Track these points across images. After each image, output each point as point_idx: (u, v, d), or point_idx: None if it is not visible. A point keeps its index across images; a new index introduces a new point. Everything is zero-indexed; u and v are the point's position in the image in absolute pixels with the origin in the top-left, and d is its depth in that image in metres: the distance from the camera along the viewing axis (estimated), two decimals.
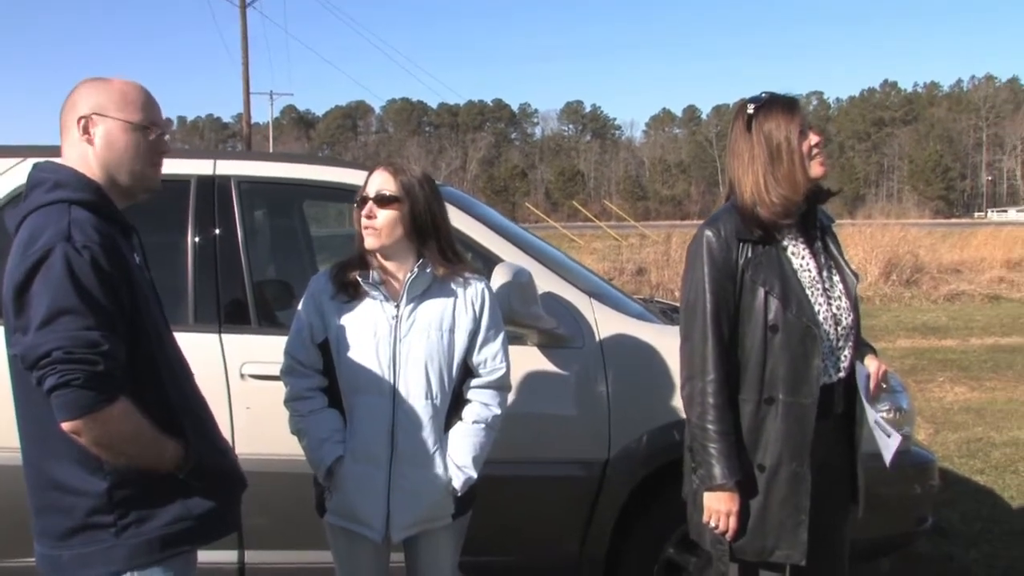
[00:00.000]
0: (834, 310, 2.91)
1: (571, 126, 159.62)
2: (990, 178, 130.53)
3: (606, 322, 3.86)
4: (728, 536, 2.88)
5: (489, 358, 3.03)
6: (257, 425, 3.72)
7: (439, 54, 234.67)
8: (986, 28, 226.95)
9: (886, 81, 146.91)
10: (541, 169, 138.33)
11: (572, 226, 45.56)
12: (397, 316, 2.92)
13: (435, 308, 2.95)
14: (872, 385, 2.97)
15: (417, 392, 2.91)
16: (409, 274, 2.92)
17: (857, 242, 20.23)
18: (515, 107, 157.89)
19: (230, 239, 3.93)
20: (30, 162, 3.92)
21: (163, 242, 4.08)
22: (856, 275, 3.03)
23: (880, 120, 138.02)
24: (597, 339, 3.82)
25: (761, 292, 2.83)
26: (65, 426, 2.09)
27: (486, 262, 3.88)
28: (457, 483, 2.98)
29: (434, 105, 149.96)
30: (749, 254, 2.85)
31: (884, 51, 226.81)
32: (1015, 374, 10.69)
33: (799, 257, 2.91)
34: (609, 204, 63.94)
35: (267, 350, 3.78)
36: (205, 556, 3.77)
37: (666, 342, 3.77)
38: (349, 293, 2.95)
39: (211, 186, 3.97)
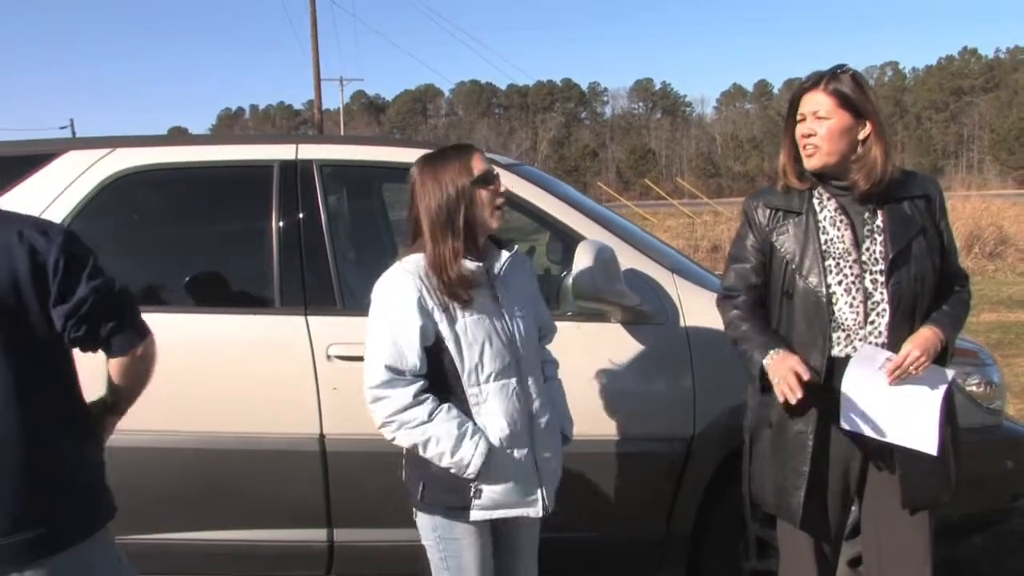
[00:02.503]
0: (867, 283, 2.87)
1: (641, 104, 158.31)
2: None
3: (689, 298, 3.84)
4: (798, 395, 2.79)
5: (547, 318, 3.17)
6: (344, 406, 3.77)
7: (507, 35, 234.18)
8: None
9: (965, 48, 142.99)
10: (612, 148, 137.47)
11: (645, 204, 45.22)
12: (497, 296, 2.94)
13: (519, 282, 3.02)
14: (889, 369, 2.83)
15: (533, 364, 2.98)
16: (505, 253, 2.96)
17: None
18: (584, 86, 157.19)
19: (314, 222, 3.98)
20: (119, 153, 4.08)
21: (249, 227, 4.16)
22: (906, 251, 2.88)
23: (959, 89, 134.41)
24: (681, 315, 3.81)
25: (782, 259, 2.94)
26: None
27: (569, 240, 3.89)
28: (570, 434, 3.11)
29: (503, 87, 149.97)
30: (779, 222, 2.96)
31: (963, 16, 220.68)
32: None
33: (835, 227, 2.91)
34: (681, 182, 63.35)
35: (353, 331, 3.83)
36: (295, 535, 3.89)
37: None
38: (460, 295, 2.85)
39: (294, 170, 4.03)
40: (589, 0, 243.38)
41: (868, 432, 2.88)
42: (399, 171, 4.28)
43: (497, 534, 3.05)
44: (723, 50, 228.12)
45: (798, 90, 2.95)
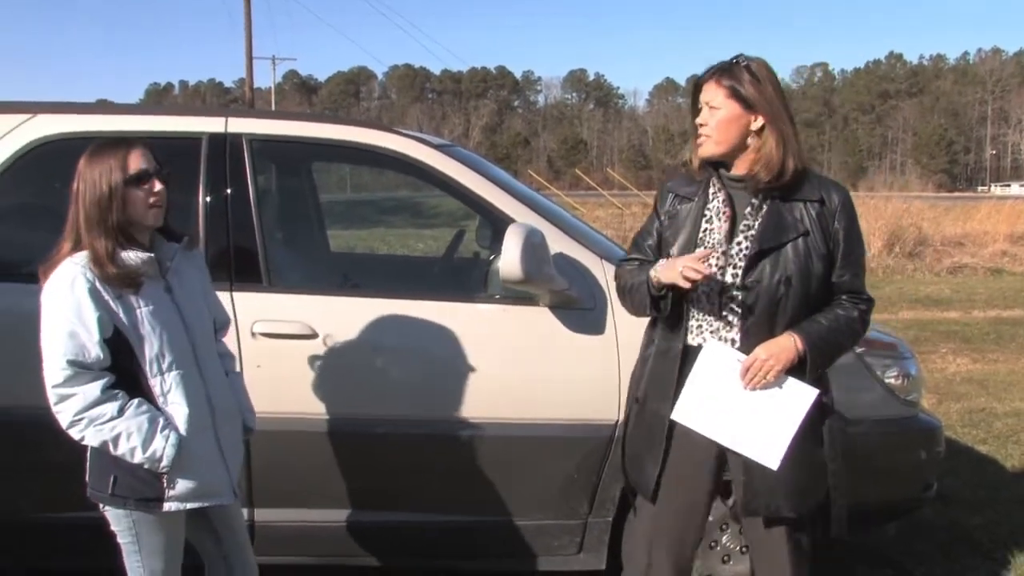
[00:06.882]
0: (727, 277, 2.86)
1: (574, 94, 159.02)
2: (994, 152, 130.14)
3: None
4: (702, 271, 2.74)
5: (220, 310, 3.27)
6: (268, 384, 3.72)
7: (443, 20, 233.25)
8: (995, 0, 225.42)
9: (892, 53, 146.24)
10: (544, 137, 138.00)
11: (575, 194, 45.48)
12: (170, 287, 2.95)
13: (190, 274, 3.06)
14: (740, 372, 2.83)
15: (208, 353, 3.05)
16: (175, 245, 3.01)
17: (860, 214, 20.09)
18: (518, 74, 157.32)
19: (241, 197, 3.91)
20: (40, 119, 3.97)
21: (175, 200, 4.07)
22: (774, 252, 2.83)
23: (885, 92, 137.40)
24: (609, 301, 3.81)
25: (666, 243, 3.00)
26: None
27: (499, 223, 3.88)
28: (252, 424, 3.24)
29: (437, 72, 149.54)
30: (676, 207, 3.02)
31: (890, 22, 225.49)
32: (1017, 346, 10.74)
33: (718, 218, 2.92)
34: (612, 172, 63.66)
35: (279, 309, 3.80)
36: None
37: None
38: (128, 288, 2.83)
39: (223, 143, 3.95)
40: None
41: (700, 429, 2.89)
42: (330, 148, 4.27)
43: (210, 519, 3.08)
44: (657, 44, 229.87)
45: (698, 80, 2.96)
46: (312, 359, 3.77)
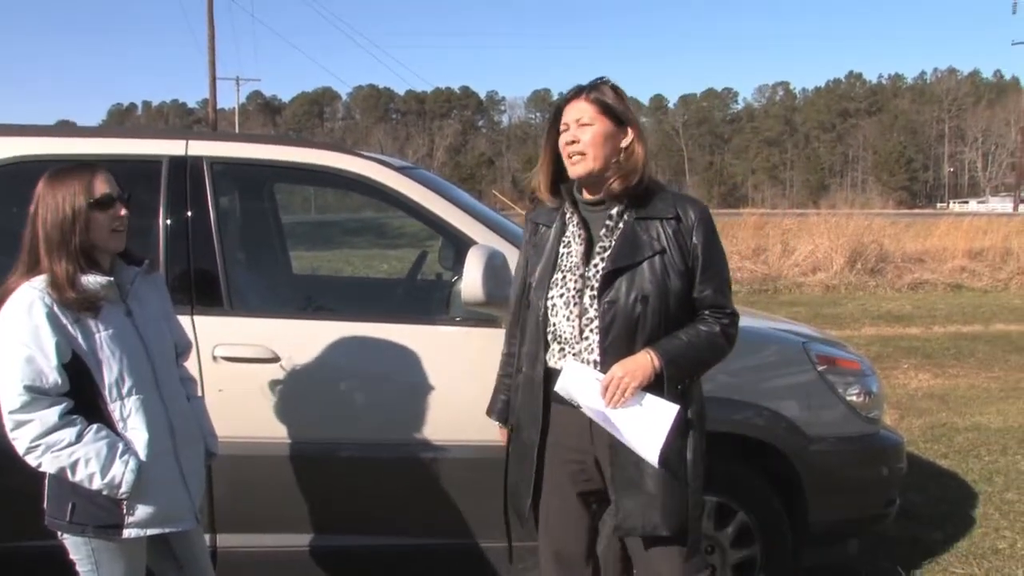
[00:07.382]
0: (585, 299, 2.86)
1: (538, 114, 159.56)
2: (951, 170, 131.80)
3: None
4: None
5: (181, 334, 3.24)
6: (230, 408, 3.69)
7: (407, 41, 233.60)
8: (950, 21, 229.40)
9: (851, 72, 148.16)
10: (508, 157, 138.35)
11: None
12: (131, 311, 2.91)
13: (151, 298, 3.04)
14: (600, 392, 2.78)
15: (169, 378, 3.02)
16: (135, 269, 2.99)
17: (823, 231, 20.44)
18: (482, 95, 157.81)
19: (202, 220, 3.89)
20: None
21: (135, 224, 4.03)
22: (629, 271, 2.82)
23: (845, 111, 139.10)
24: None
25: (531, 272, 3.01)
26: None
27: (460, 244, 3.88)
28: (214, 449, 3.20)
29: (401, 92, 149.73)
30: (539, 237, 3.04)
31: (850, 42, 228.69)
32: (976, 361, 10.86)
33: (576, 241, 2.92)
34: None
35: (240, 332, 3.77)
36: None
37: None
38: (87, 312, 2.81)
39: (184, 166, 3.93)
40: (488, 9, 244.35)
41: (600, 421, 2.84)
42: (291, 171, 4.25)
43: (171, 545, 3.03)
44: (621, 65, 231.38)
45: (560, 102, 2.95)
46: (274, 383, 3.75)
